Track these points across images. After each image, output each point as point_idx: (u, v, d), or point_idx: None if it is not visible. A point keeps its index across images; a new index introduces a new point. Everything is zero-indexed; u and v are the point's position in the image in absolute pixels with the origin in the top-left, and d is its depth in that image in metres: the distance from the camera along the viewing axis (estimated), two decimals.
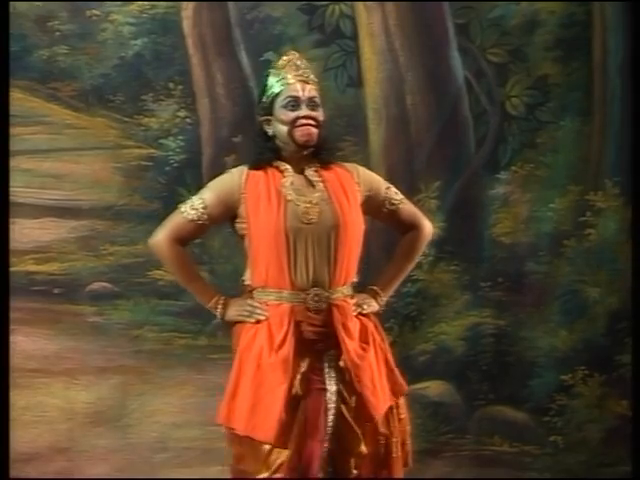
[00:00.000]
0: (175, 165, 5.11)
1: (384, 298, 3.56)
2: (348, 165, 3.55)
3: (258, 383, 3.32)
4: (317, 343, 3.38)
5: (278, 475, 3.31)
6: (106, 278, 5.05)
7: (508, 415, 5.29)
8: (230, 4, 5.13)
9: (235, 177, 3.46)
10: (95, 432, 5.00)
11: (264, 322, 3.38)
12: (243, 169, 3.47)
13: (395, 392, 3.46)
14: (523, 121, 5.29)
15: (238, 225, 3.46)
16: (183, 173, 5.08)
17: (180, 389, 5.07)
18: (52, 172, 5.05)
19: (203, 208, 3.45)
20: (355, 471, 3.39)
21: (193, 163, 5.09)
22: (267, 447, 3.30)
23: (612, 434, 5.27)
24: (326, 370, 3.38)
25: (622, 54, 5.23)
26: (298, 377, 3.32)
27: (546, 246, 5.30)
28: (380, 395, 3.39)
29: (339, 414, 3.35)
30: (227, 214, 3.47)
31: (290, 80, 3.45)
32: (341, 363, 3.35)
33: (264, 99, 3.48)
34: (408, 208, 3.62)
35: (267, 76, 3.50)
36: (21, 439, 4.84)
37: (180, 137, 5.12)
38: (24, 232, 4.98)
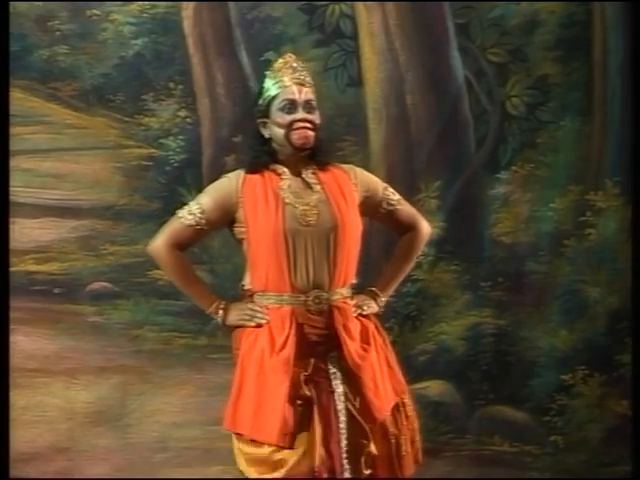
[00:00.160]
0: (175, 165, 5.10)
1: (383, 299, 3.57)
2: (345, 166, 3.56)
3: (261, 385, 3.32)
4: (319, 345, 3.39)
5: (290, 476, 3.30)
6: (106, 278, 5.04)
7: (508, 415, 5.29)
8: (230, 4, 5.13)
9: (232, 181, 3.46)
10: (95, 432, 5.00)
11: (265, 325, 3.38)
12: (240, 173, 3.47)
13: (398, 392, 3.46)
14: (523, 121, 5.28)
15: (237, 229, 3.46)
16: (183, 173, 5.07)
17: (180, 389, 5.07)
18: (52, 172, 5.04)
19: (201, 213, 3.45)
20: (367, 471, 3.37)
21: (193, 163, 5.09)
22: (271, 448, 3.30)
23: (612, 434, 5.27)
24: (332, 372, 3.38)
25: (622, 54, 5.22)
26: (302, 378, 3.32)
27: (546, 246, 5.29)
28: (383, 396, 3.39)
29: (349, 414, 3.35)
30: (225, 218, 3.46)
31: (286, 83, 3.45)
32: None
33: (260, 102, 3.48)
34: (406, 208, 3.63)
35: (264, 78, 3.50)
36: (21, 439, 4.85)
37: (180, 137, 5.11)
38: (24, 232, 4.97)
